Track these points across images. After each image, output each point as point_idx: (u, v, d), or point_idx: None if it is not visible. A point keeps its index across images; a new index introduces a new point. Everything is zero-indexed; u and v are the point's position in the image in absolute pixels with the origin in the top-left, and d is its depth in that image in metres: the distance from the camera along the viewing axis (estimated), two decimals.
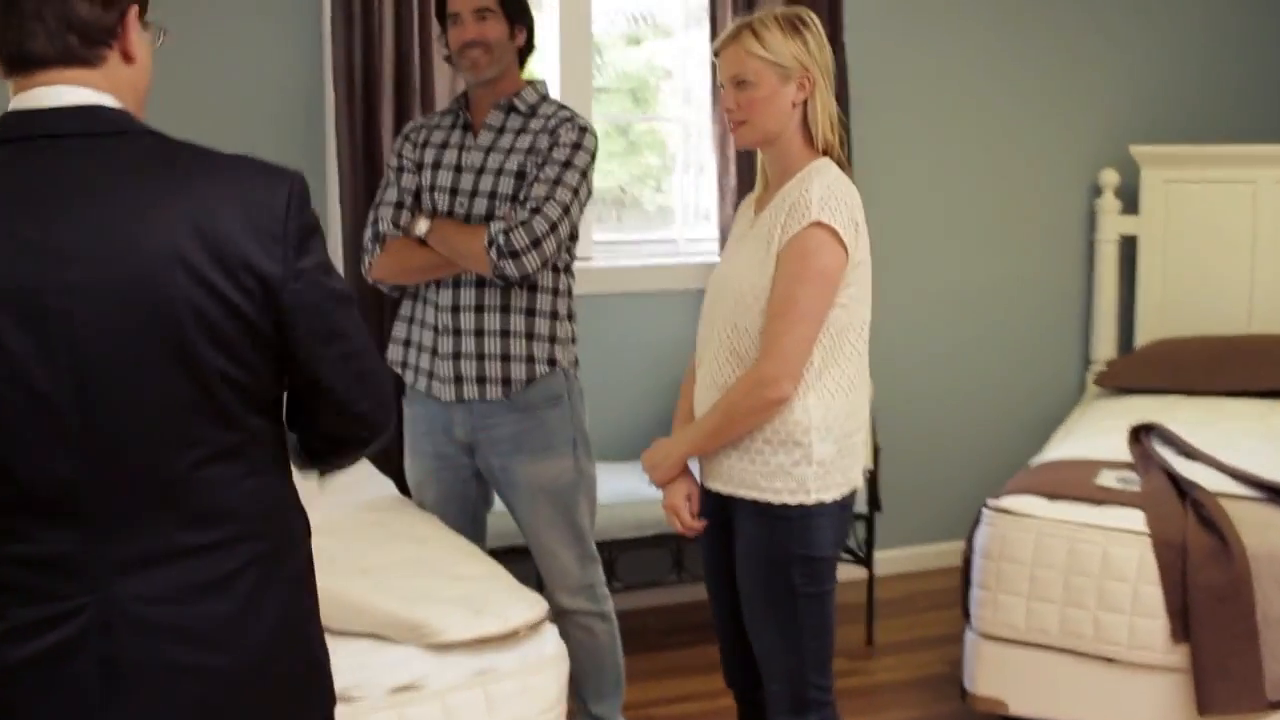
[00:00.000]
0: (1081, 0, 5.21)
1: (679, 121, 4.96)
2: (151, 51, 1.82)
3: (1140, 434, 3.89)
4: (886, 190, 4.97)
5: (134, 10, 1.74)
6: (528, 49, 3.32)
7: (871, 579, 4.56)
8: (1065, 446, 4.09)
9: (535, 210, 3.09)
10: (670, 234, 4.91)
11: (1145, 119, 5.32)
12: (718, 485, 2.68)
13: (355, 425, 1.86)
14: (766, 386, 2.53)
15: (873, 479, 4.50)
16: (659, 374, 4.63)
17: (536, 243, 3.07)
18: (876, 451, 4.48)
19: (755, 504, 2.61)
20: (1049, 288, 5.31)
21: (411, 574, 2.77)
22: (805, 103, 2.62)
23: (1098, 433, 4.20)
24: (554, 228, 3.09)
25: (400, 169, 3.33)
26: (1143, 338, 5.13)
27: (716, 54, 2.68)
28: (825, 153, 2.65)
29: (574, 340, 3.34)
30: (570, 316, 3.33)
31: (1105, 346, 5.21)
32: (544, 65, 4.65)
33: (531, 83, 3.32)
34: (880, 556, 4.98)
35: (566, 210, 3.12)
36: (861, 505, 4.42)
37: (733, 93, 2.63)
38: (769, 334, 2.55)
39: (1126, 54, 5.30)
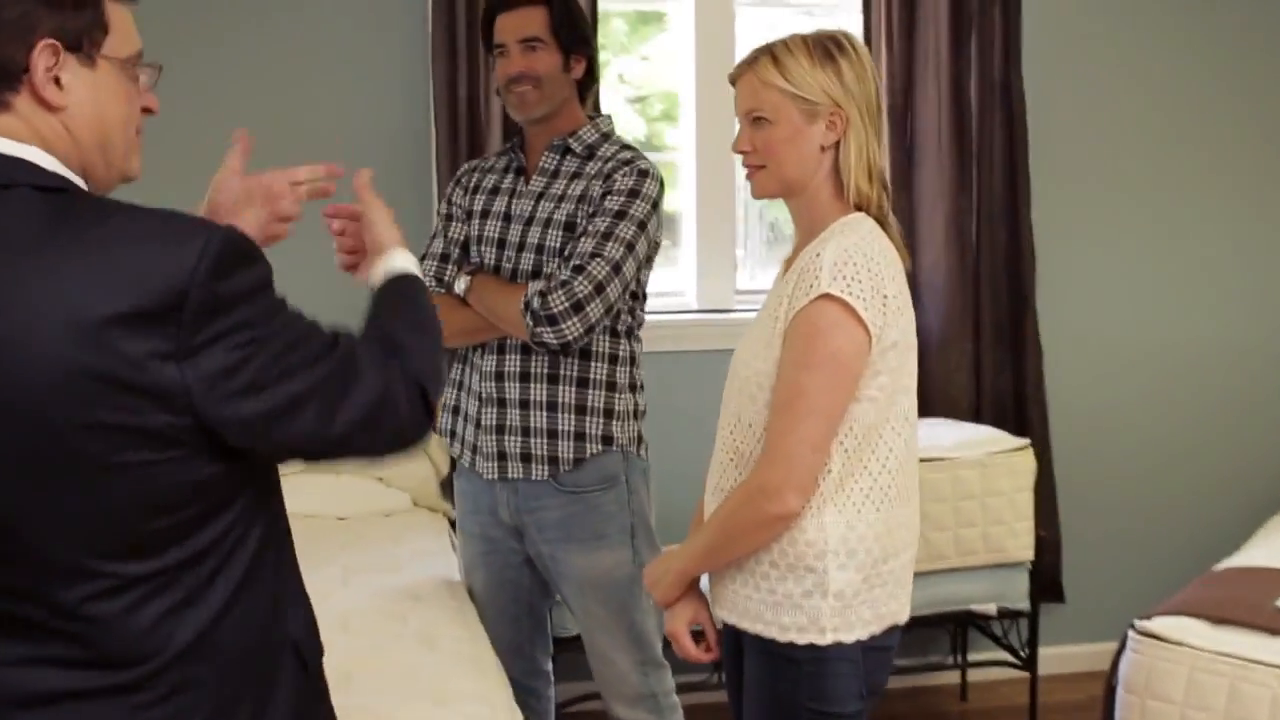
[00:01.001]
0: None
1: None
2: (117, 93, 1.50)
3: None
4: (1073, 235, 4.36)
5: (45, 47, 1.41)
6: (589, 81, 2.93)
7: (1035, 682, 3.95)
8: (1258, 550, 3.41)
9: (579, 269, 2.69)
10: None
11: None
12: (723, 613, 2.21)
13: (347, 453, 1.50)
14: (767, 498, 2.04)
15: (1036, 570, 3.91)
16: None
17: (578, 306, 2.67)
18: (1040, 540, 3.88)
19: (760, 640, 2.13)
20: (1271, 350, 4.54)
21: (392, 691, 2.41)
22: (837, 145, 2.13)
23: None
24: (600, 289, 2.69)
25: (449, 217, 2.99)
26: None
27: (733, 83, 2.21)
28: (860, 208, 2.16)
29: (638, 415, 2.92)
30: (634, 387, 2.91)
31: None
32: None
33: (594, 119, 2.92)
34: (1061, 653, 4.39)
35: (617, 268, 2.71)
36: (1023, 600, 3.83)
37: (749, 131, 2.16)
38: (771, 432, 2.06)
39: None
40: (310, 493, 3.62)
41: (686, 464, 3.96)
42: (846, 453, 2.07)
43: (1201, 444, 4.50)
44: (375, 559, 3.25)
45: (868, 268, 2.03)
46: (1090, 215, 4.38)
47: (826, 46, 2.12)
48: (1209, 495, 4.51)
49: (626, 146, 2.89)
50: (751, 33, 4.33)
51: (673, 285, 4.30)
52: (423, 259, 2.96)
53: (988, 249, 4.17)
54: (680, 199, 4.27)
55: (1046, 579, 4.26)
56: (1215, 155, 4.45)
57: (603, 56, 4.33)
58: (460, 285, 2.85)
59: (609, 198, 2.77)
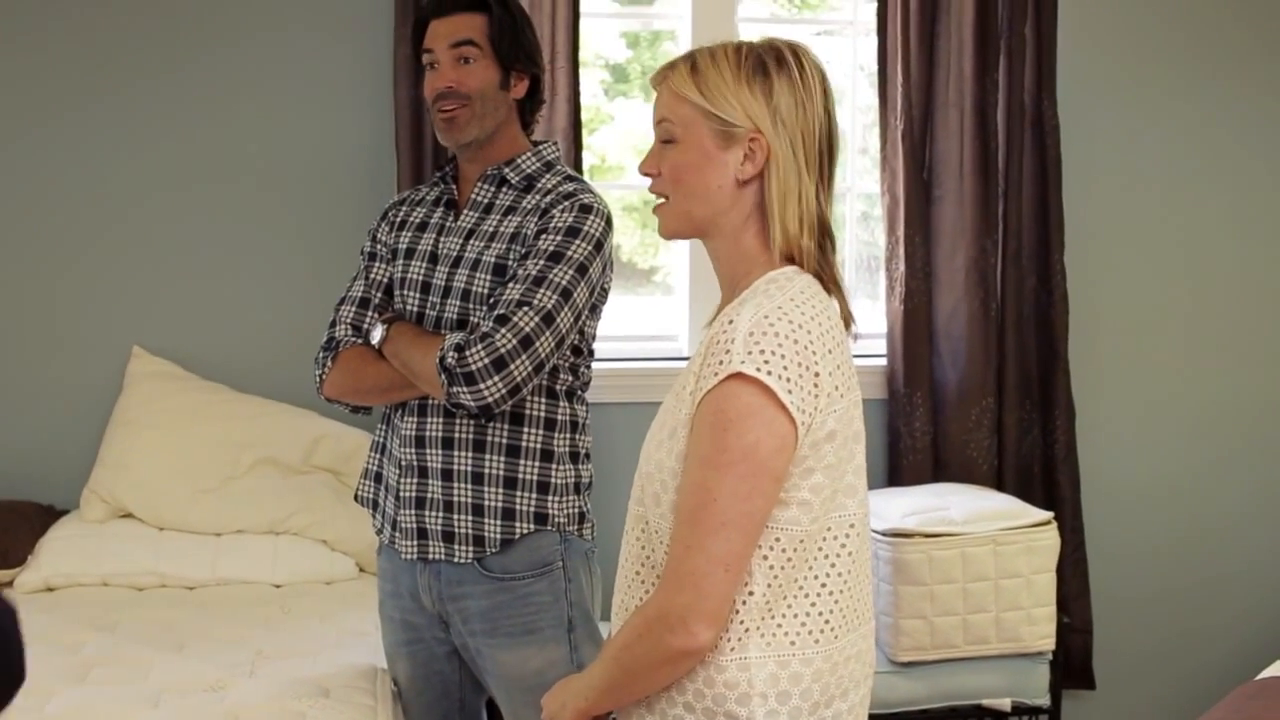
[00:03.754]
0: None
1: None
2: None
3: None
4: (1112, 280, 3.92)
5: None
6: (532, 101, 2.55)
7: None
8: None
9: (503, 319, 2.31)
10: None
11: None
12: None
13: None
14: (669, 629, 1.63)
15: (1064, 656, 3.50)
16: None
17: (500, 364, 2.28)
18: (1064, 627, 3.44)
19: None
20: None
21: None
22: (761, 180, 1.74)
23: None
24: (527, 343, 2.30)
25: (373, 256, 2.62)
26: None
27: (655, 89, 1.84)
28: (792, 260, 1.75)
29: (580, 489, 2.52)
30: (576, 457, 2.52)
31: None
32: None
33: (538, 146, 2.54)
34: None
35: (549, 319, 2.32)
36: (1042, 695, 3.38)
37: (656, 151, 1.79)
38: (675, 547, 1.65)
39: None
40: (247, 556, 3.26)
41: None
42: (773, 570, 1.66)
43: (1256, 518, 4.02)
44: (296, 640, 2.86)
45: (793, 338, 1.64)
46: (1131, 258, 3.93)
47: (762, 60, 1.73)
48: (1263, 575, 4.02)
49: (571, 177, 2.50)
50: None
51: (664, 329, 3.90)
52: (340, 304, 2.59)
53: (1014, 295, 3.73)
54: None
55: (1076, 665, 3.81)
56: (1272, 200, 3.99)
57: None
58: (376, 335, 2.47)
59: (544, 236, 2.38)
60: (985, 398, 3.73)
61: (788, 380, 1.61)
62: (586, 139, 3.60)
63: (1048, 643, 3.32)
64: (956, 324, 3.73)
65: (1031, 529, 3.30)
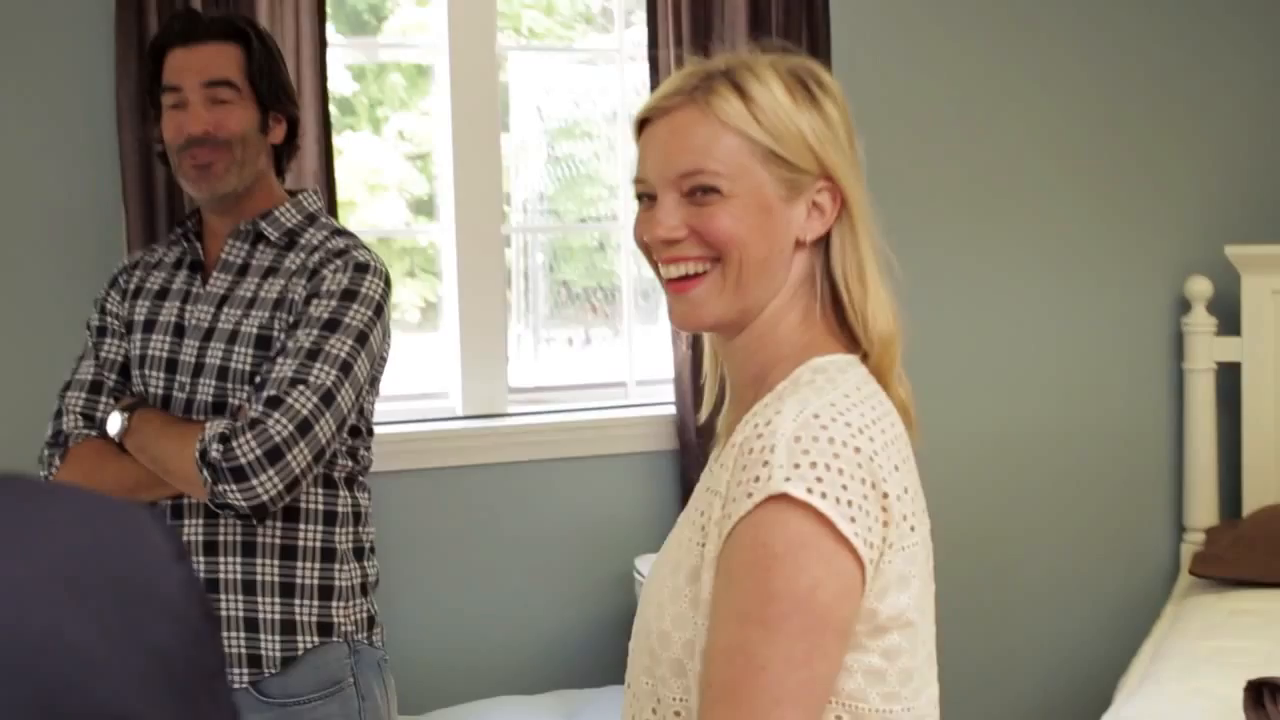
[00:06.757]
0: (1159, 70, 3.97)
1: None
2: None
3: (1263, 694, 2.60)
4: (914, 310, 3.75)
5: None
6: (288, 146, 2.21)
7: None
8: (1147, 696, 2.82)
9: (275, 401, 1.96)
10: (620, 376, 3.70)
11: (1244, 212, 4.03)
12: None
13: None
14: None
15: None
16: (599, 563, 3.45)
17: (275, 454, 1.93)
18: None
19: None
20: (1126, 432, 3.99)
21: None
22: (823, 243, 1.37)
23: (1196, 665, 2.93)
24: (305, 428, 1.96)
25: (103, 330, 2.22)
26: (1253, 500, 3.85)
27: (641, 126, 1.38)
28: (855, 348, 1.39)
29: (369, 589, 2.18)
30: (361, 553, 2.18)
31: (1203, 511, 3.90)
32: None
33: (295, 196, 2.20)
34: None
35: (329, 398, 1.99)
36: None
37: (680, 205, 1.32)
38: None
39: (1218, 132, 4.03)
40: None
41: (450, 623, 3.27)
42: None
43: (1058, 546, 3.93)
44: None
45: (854, 445, 1.23)
46: (932, 292, 3.72)
47: (803, 79, 1.35)
48: (1072, 597, 3.95)
49: (340, 231, 2.17)
50: (522, 84, 3.66)
51: (433, 386, 3.56)
52: (66, 389, 2.18)
53: None
54: (443, 276, 3.56)
55: None
56: (1064, 222, 3.91)
57: (381, 111, 3.68)
58: (114, 425, 2.08)
59: (315, 301, 2.04)
60: None
61: (849, 504, 1.20)
62: None
63: None
64: None
65: None
